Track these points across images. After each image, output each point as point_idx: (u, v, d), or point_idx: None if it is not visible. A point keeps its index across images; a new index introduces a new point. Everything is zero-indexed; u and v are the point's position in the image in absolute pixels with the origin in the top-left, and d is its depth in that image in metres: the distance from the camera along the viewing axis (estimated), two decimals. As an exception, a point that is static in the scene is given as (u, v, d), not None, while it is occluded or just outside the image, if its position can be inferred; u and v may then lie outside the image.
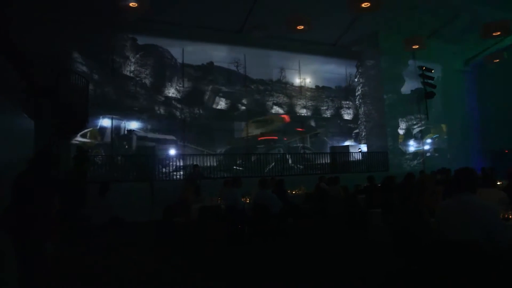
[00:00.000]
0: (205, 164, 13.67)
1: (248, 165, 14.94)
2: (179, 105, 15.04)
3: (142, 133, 14.04)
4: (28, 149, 6.62)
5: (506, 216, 4.08)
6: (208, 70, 15.79)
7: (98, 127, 13.64)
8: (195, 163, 12.90)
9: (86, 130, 13.06)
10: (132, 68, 14.38)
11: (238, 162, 15.38)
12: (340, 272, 5.06)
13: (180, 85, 15.24)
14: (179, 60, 15.22)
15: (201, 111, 15.55)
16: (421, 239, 3.39)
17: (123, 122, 13.95)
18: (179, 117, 15.03)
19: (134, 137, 13.85)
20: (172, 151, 14.18)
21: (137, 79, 14.41)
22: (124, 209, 10.14)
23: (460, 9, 14.20)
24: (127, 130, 13.86)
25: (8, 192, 3.59)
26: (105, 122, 13.72)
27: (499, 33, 11.89)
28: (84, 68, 13.30)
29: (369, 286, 4.47)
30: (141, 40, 14.59)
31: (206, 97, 15.80)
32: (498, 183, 7.39)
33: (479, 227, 2.86)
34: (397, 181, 8.04)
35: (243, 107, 16.46)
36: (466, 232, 2.87)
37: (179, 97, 15.14)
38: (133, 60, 14.34)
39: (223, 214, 6.99)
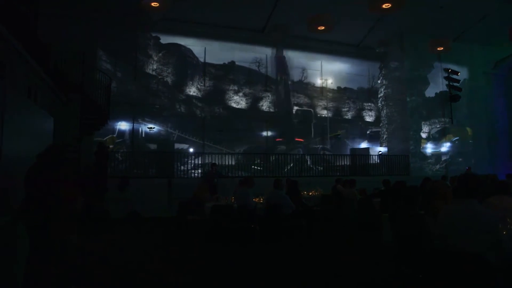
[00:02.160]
0: (224, 163, 13.78)
1: (267, 165, 14.97)
2: (199, 104, 15.25)
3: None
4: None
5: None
6: (229, 69, 15.94)
7: (119, 125, 13.99)
8: (213, 161, 13.02)
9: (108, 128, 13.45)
10: (155, 67, 14.67)
11: (256, 161, 15.43)
12: (346, 274, 5.04)
13: (201, 84, 15.45)
14: (201, 59, 15.41)
15: (221, 110, 15.71)
16: (421, 246, 3.35)
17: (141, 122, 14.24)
18: (200, 115, 15.22)
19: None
20: (192, 149, 14.36)
21: (159, 77, 14.69)
22: (142, 204, 10.45)
23: (488, 10, 13.77)
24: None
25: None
26: (126, 121, 14.06)
27: (527, 35, 11.51)
28: (108, 66, 13.65)
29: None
30: (164, 39, 14.87)
31: (227, 96, 15.95)
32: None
33: (485, 236, 2.80)
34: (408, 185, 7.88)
35: (263, 107, 16.53)
36: (471, 240, 2.82)
37: (200, 95, 15.36)
38: (155, 58, 14.62)
39: (235, 213, 7.05)
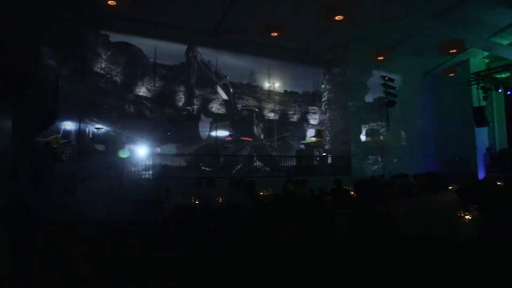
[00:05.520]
0: (174, 164, 13.75)
1: (216, 165, 15.14)
2: (149, 104, 15.04)
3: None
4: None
5: (459, 214, 4.61)
6: (180, 70, 15.88)
7: (64, 125, 13.40)
8: (164, 163, 12.97)
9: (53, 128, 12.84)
10: (103, 65, 14.25)
11: (206, 162, 15.54)
12: (308, 268, 5.41)
13: (151, 85, 15.25)
14: (152, 60, 15.20)
15: (171, 111, 15.62)
16: (389, 234, 3.81)
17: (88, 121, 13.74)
18: (149, 116, 15.03)
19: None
20: (142, 151, 14.09)
21: (108, 76, 14.29)
22: (91, 207, 10.12)
23: (421, 25, 15.06)
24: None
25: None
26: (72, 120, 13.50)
27: (455, 50, 12.77)
28: (53, 63, 13.04)
29: (336, 279, 4.83)
30: (113, 38, 14.46)
31: (177, 97, 15.88)
32: (450, 187, 8.12)
33: (444, 221, 3.31)
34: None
35: (213, 109, 16.68)
36: (433, 226, 3.31)
37: (150, 96, 15.15)
38: (104, 57, 14.21)
39: (199, 214, 7.19)
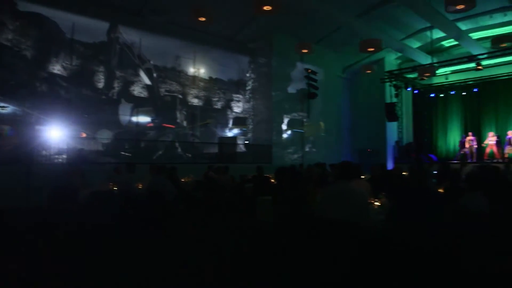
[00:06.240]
0: (91, 149, 13.04)
1: (136, 151, 14.66)
2: (65, 84, 13.96)
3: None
4: None
5: (369, 200, 5.02)
6: (100, 49, 14.91)
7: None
8: (80, 146, 12.23)
9: None
10: (10, 37, 12.88)
11: (126, 147, 14.96)
12: (229, 252, 5.53)
13: (68, 62, 14.14)
14: (68, 35, 14.00)
15: (89, 92, 14.66)
16: (306, 218, 4.02)
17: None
18: (64, 96, 13.98)
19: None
20: (55, 133, 13.07)
21: (16, 49, 12.95)
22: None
23: (344, 23, 15.83)
24: None
25: None
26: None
27: (372, 49, 13.68)
28: None
29: (257, 263, 5.00)
30: (23, 6, 13.05)
31: (96, 77, 14.94)
32: (362, 176, 8.77)
33: (356, 207, 3.57)
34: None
35: (135, 92, 16.01)
36: (346, 211, 3.56)
37: (65, 75, 14.04)
38: (11, 27, 12.84)
39: (117, 200, 6.94)
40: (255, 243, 6.05)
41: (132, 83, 15.89)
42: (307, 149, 19.55)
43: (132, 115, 16.00)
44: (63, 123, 13.05)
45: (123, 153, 14.61)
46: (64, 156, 12.48)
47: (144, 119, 16.28)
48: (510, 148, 16.19)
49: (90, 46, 14.63)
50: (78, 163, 10.70)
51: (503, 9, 14.82)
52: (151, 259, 5.28)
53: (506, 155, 16.10)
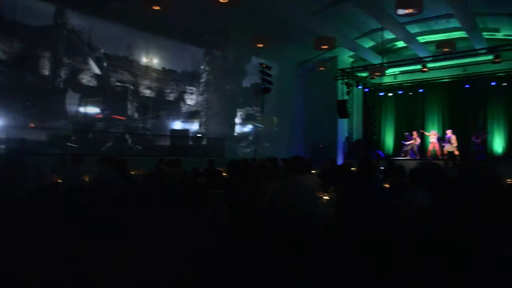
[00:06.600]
0: (34, 139, 12.32)
1: (84, 142, 14.07)
2: (4, 68, 13.04)
3: None
4: None
5: (319, 194, 5.13)
6: (45, 34, 14.03)
7: None
8: (21, 136, 11.49)
9: None
10: None
11: (73, 138, 14.31)
12: (179, 246, 5.45)
13: (8, 46, 13.20)
14: (9, 16, 12.97)
15: (33, 79, 13.80)
16: (257, 212, 4.04)
17: None
18: (5, 82, 13.07)
19: None
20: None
21: None
22: None
23: (300, 19, 15.96)
24: None
25: None
26: None
27: (326, 46, 13.95)
28: None
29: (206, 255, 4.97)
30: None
31: (41, 63, 14.10)
32: (313, 171, 8.97)
33: (306, 201, 3.63)
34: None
35: (83, 80, 15.31)
36: (296, 205, 3.61)
37: (5, 59, 13.11)
38: None
39: (63, 193, 6.63)
40: (206, 237, 6.01)
41: (80, 71, 15.19)
42: (260, 144, 19.67)
43: (80, 105, 15.32)
44: (2, 111, 12.22)
45: (69, 144, 13.96)
46: (2, 147, 11.67)
47: (92, 109, 15.63)
48: (449, 146, 17.16)
49: (34, 29, 13.74)
50: (17, 154, 10.05)
51: (446, 16, 15.60)
52: (97, 256, 5.09)
53: (446, 152, 17.06)
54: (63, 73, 14.58)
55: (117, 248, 5.39)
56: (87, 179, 7.73)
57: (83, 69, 15.23)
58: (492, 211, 4.65)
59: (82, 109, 15.16)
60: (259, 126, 19.00)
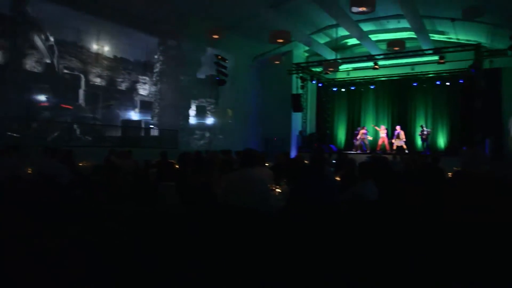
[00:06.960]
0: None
1: (27, 132, 13.29)
2: None
3: None
4: None
5: (271, 187, 5.15)
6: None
7: None
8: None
9: None
10: None
11: (14, 127, 13.44)
12: (130, 241, 5.28)
13: None
14: None
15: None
16: (209, 205, 3.99)
17: None
18: None
19: None
20: None
21: None
22: None
23: (256, 12, 15.89)
24: None
25: None
26: None
27: (281, 40, 14.05)
28: None
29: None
30: None
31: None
32: (267, 164, 9.04)
33: (257, 194, 3.62)
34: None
35: (27, 66, 14.41)
36: (247, 197, 3.59)
37: None
38: None
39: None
40: (157, 230, 5.87)
41: (24, 55, 14.28)
42: (214, 136, 19.54)
43: (23, 92, 14.40)
44: None
45: (10, 133, 13.12)
46: None
47: (37, 97, 14.77)
48: (398, 141, 17.94)
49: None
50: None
51: (397, 16, 16.18)
52: (43, 253, 4.82)
53: (394, 147, 17.82)
54: (2, 56, 13.64)
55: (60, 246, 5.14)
56: (29, 171, 7.33)
57: (28, 53, 14.34)
58: (434, 203, 4.89)
59: (25, 97, 14.27)
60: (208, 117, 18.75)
